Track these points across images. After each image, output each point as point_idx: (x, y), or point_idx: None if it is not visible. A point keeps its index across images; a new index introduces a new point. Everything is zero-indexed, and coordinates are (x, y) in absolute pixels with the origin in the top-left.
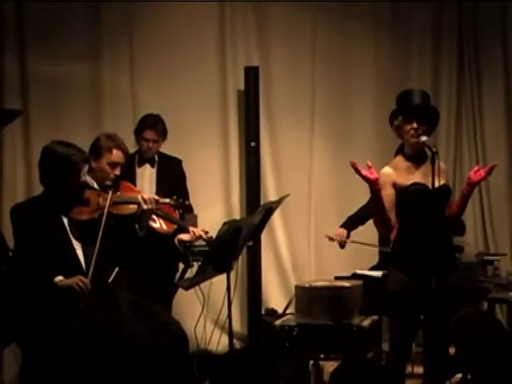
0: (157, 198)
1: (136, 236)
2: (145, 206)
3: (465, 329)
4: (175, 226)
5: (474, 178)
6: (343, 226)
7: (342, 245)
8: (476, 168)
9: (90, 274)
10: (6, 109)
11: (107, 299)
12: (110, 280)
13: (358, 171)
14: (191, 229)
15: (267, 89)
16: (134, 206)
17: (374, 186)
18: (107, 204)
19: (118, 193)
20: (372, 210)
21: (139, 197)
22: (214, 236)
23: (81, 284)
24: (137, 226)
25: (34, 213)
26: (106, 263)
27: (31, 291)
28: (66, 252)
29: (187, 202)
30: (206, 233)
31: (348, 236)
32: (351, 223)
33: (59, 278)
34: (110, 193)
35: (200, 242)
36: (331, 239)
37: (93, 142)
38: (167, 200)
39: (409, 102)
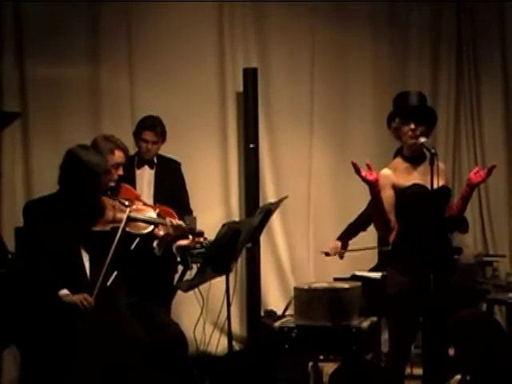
0: (184, 225)
1: (151, 255)
2: (171, 231)
3: (464, 330)
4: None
5: (474, 179)
6: (339, 237)
7: (341, 256)
8: (476, 169)
9: (96, 289)
10: (5, 111)
11: (106, 302)
12: (108, 283)
13: (358, 171)
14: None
15: (266, 90)
16: (148, 226)
17: (373, 187)
18: (123, 221)
19: (134, 206)
20: (372, 213)
21: (167, 221)
22: (213, 238)
23: (85, 303)
24: (156, 246)
25: (47, 214)
26: (110, 273)
27: (33, 293)
28: (73, 261)
29: (199, 231)
30: (205, 238)
31: (345, 246)
32: (351, 232)
33: (64, 292)
34: (127, 211)
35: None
36: (327, 254)
37: (91, 146)
38: (182, 224)
39: (406, 104)
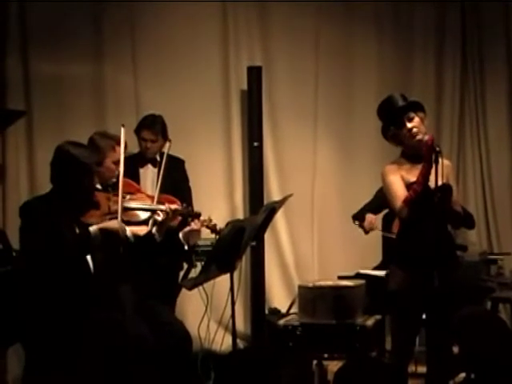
0: (181, 208)
1: (153, 242)
2: (170, 215)
3: (468, 328)
4: (180, 218)
5: None
6: (368, 211)
7: (368, 232)
8: None
9: None
10: (10, 109)
11: (111, 299)
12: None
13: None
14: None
15: (270, 88)
16: (145, 214)
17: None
18: (119, 209)
19: (128, 196)
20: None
21: (166, 207)
22: (218, 235)
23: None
24: (155, 232)
25: (44, 212)
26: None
27: (39, 289)
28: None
29: (196, 212)
30: (210, 221)
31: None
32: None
33: (93, 228)
34: (120, 196)
35: (204, 242)
36: (362, 227)
37: (87, 145)
38: (178, 208)
39: (394, 108)
